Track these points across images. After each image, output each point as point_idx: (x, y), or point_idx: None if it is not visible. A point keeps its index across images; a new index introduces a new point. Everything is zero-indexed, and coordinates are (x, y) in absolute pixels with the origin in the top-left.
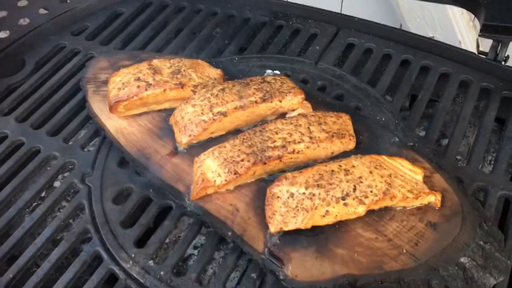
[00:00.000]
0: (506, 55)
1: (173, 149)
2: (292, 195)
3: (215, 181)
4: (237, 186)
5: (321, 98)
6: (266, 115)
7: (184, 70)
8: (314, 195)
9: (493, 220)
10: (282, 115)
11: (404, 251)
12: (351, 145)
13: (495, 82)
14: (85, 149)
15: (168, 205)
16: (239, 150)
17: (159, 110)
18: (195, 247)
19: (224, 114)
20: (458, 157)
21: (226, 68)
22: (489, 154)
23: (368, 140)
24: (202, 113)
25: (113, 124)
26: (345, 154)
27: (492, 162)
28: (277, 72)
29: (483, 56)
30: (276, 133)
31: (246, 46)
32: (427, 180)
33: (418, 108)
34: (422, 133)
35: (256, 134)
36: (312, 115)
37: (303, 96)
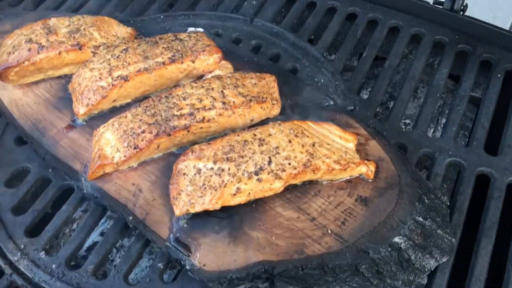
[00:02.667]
0: (464, 4)
1: (71, 122)
2: (199, 171)
3: (113, 157)
4: (142, 163)
5: (252, 59)
6: (179, 79)
7: (84, 29)
8: (223, 170)
9: (438, 192)
10: (196, 79)
11: (329, 231)
12: (275, 110)
13: (451, 34)
14: None
15: (69, 187)
16: (140, 120)
17: (59, 77)
18: (102, 234)
19: (125, 79)
20: (407, 121)
21: (146, 27)
22: (442, 116)
23: (297, 105)
24: (100, 78)
25: (7, 94)
26: (268, 122)
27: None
28: (200, 29)
29: (439, 6)
30: (184, 99)
31: (174, 2)
32: (361, 148)
33: (363, 67)
34: (367, 96)
35: (161, 101)
36: (228, 77)
37: (220, 55)
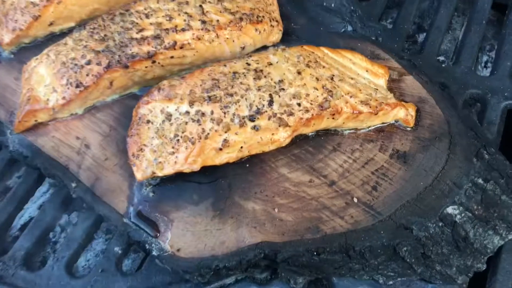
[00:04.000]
0: None
1: None
2: (169, 116)
3: (47, 100)
4: (90, 109)
5: None
6: None
7: None
8: (203, 115)
9: (496, 145)
10: None
11: (355, 200)
12: (274, 35)
13: None
14: None
15: None
16: (85, 47)
17: None
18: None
19: None
20: (441, 58)
21: None
22: (483, 53)
23: (304, 29)
24: None
25: None
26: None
27: (489, 63)
28: None
29: None
30: (147, 16)
31: None
32: (394, 86)
33: None
34: (391, 26)
35: (114, 19)
36: None
37: None
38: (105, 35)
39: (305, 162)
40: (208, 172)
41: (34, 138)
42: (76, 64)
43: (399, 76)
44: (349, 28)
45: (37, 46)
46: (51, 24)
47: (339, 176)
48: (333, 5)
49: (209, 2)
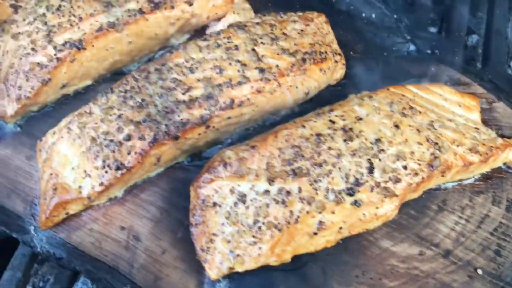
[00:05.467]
0: None
1: None
2: (243, 197)
3: (80, 187)
4: (132, 189)
5: None
6: (168, 36)
7: None
8: (289, 193)
9: None
10: (198, 33)
11: (480, 271)
12: (339, 71)
13: None
14: None
15: (8, 238)
16: (119, 117)
17: None
18: None
19: (79, 45)
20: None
21: None
22: None
23: (366, 57)
24: (34, 49)
25: None
26: (329, 94)
27: None
28: None
29: None
30: (191, 70)
31: None
32: (487, 118)
33: None
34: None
35: (149, 78)
36: (257, 24)
37: None
38: (142, 100)
39: (410, 229)
40: (295, 256)
41: (67, 235)
42: (112, 141)
43: (488, 105)
44: (411, 47)
45: (48, 114)
46: (63, 86)
47: (453, 243)
48: (373, 15)
49: (262, 43)
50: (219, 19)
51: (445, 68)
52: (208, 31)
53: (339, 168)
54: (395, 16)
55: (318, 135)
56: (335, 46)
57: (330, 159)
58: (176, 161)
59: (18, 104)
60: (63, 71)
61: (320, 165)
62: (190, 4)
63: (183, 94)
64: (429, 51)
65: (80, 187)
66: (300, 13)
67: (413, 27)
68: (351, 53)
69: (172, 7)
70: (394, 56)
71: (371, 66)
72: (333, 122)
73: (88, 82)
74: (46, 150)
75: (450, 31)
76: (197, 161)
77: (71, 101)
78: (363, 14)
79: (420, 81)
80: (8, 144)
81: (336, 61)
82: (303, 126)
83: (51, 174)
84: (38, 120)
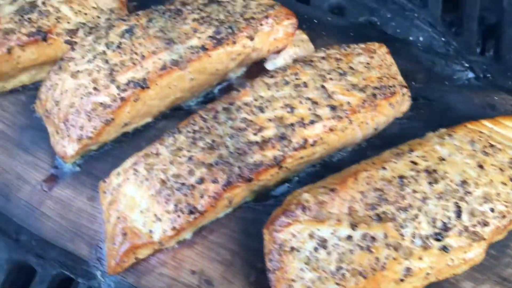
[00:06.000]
0: None
1: (52, 169)
2: (323, 243)
3: (150, 231)
4: (200, 230)
5: (314, 16)
6: (228, 70)
7: (43, 3)
8: (374, 239)
9: None
10: (258, 67)
11: None
12: (405, 104)
13: None
14: None
15: (68, 280)
16: (190, 159)
17: (12, 92)
18: None
19: (143, 84)
20: None
21: None
22: None
23: (428, 87)
24: (96, 88)
25: None
26: (396, 127)
27: None
28: None
29: None
30: (261, 109)
31: None
32: None
33: (471, 10)
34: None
35: (218, 118)
36: (323, 58)
37: (294, 21)
38: (213, 141)
39: (491, 270)
40: None
41: (136, 279)
42: (183, 184)
43: None
44: (470, 74)
45: (107, 152)
46: (125, 125)
47: None
48: (421, 38)
49: (331, 79)
50: (278, 52)
51: (507, 97)
52: (267, 64)
53: (425, 212)
54: (443, 39)
55: (401, 177)
56: (400, 78)
57: (415, 202)
58: (244, 201)
59: (79, 144)
60: (126, 110)
61: (405, 210)
62: (252, 39)
63: (255, 134)
64: (481, 75)
65: (150, 231)
66: (362, 45)
67: (462, 50)
68: (413, 83)
69: (234, 43)
70: (456, 85)
71: (434, 96)
72: (415, 163)
73: (149, 119)
74: (111, 192)
75: (500, 53)
76: (264, 201)
77: (130, 139)
78: (410, 37)
79: (486, 112)
80: (68, 185)
81: (403, 94)
82: (384, 168)
83: (119, 217)
84: (97, 159)
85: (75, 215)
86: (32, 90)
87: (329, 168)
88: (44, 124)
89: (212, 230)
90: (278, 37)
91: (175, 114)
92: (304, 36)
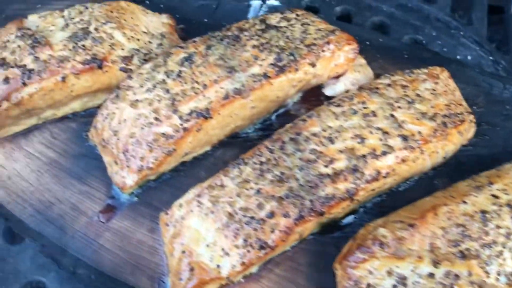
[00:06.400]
0: None
1: (109, 200)
2: (403, 280)
3: (218, 266)
4: (266, 263)
5: (364, 37)
6: (288, 96)
7: (96, 29)
8: (458, 277)
9: None
10: (314, 92)
11: None
12: (470, 130)
13: None
14: None
15: None
16: (258, 192)
17: (63, 118)
18: None
19: (206, 114)
20: None
21: (177, 7)
22: None
23: (486, 111)
24: (157, 118)
25: None
26: (462, 154)
27: None
28: (275, 1)
29: None
30: (331, 140)
31: None
32: None
33: None
34: None
35: (285, 148)
36: (389, 85)
37: (355, 46)
38: (282, 173)
39: None
40: None
41: None
42: (253, 218)
43: None
44: None
45: (165, 182)
46: (185, 154)
47: None
48: (469, 57)
49: (399, 107)
50: (337, 77)
51: None
52: (325, 89)
53: (510, 248)
54: (491, 57)
55: (483, 212)
56: (465, 104)
57: (499, 238)
58: (310, 233)
59: (139, 175)
60: (188, 141)
61: (489, 246)
62: (314, 66)
63: (326, 166)
64: None
65: (218, 266)
66: (425, 70)
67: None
68: (475, 107)
69: (297, 70)
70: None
71: (496, 121)
72: (496, 197)
73: (208, 148)
74: (174, 225)
75: None
76: (330, 233)
77: (188, 168)
78: (457, 55)
79: None
80: (126, 216)
81: (470, 121)
82: (465, 202)
83: (183, 251)
84: (155, 189)
85: (135, 247)
86: (83, 117)
87: (395, 198)
88: (97, 153)
89: (278, 263)
90: (339, 63)
91: (233, 142)
92: (363, 61)
